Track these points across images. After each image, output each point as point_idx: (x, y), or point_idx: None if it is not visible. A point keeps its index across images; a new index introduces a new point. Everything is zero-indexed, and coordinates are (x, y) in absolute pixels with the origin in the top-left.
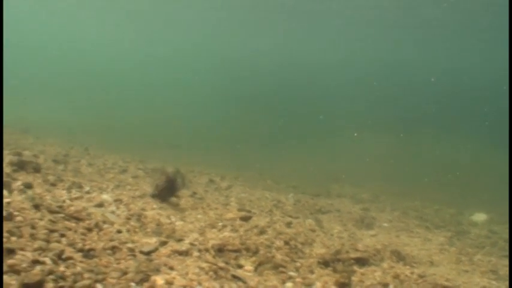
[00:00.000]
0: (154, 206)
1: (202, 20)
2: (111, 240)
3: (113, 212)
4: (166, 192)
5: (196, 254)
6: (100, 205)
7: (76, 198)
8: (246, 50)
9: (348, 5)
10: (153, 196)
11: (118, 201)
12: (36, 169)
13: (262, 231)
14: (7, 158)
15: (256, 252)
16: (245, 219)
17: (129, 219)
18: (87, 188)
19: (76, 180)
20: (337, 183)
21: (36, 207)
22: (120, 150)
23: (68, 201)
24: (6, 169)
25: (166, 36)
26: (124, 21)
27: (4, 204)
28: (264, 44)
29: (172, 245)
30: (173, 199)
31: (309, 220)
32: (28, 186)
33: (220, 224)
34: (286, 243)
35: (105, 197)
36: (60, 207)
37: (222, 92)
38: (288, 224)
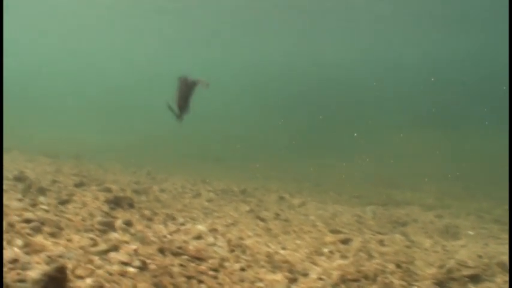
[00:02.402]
0: (250, 234)
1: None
2: (242, 280)
3: (214, 244)
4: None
5: None
6: (198, 237)
7: (174, 232)
8: (274, 55)
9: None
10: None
11: (213, 231)
12: (131, 204)
13: (370, 255)
14: (100, 195)
15: (374, 280)
16: (345, 242)
17: (233, 251)
18: (180, 220)
19: (167, 211)
20: (395, 189)
21: (161, 251)
22: (174, 170)
23: (169, 236)
24: (104, 207)
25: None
26: (148, 34)
27: (130, 251)
28: (293, 47)
29: (304, 282)
30: (261, 223)
31: (397, 235)
32: (128, 223)
33: (325, 249)
34: (398, 266)
35: (200, 227)
36: (180, 247)
37: (251, 100)
38: (381, 242)
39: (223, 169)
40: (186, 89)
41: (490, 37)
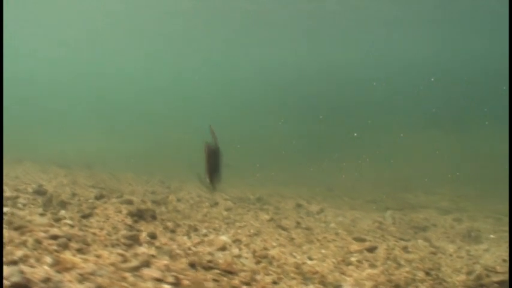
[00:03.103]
0: (274, 244)
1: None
2: None
3: (240, 256)
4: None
5: None
6: (223, 249)
7: (198, 244)
8: (281, 57)
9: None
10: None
11: (237, 241)
12: (153, 216)
13: (398, 263)
14: (123, 208)
15: None
16: (370, 250)
17: (260, 262)
18: (203, 231)
19: (189, 222)
20: (408, 192)
21: (192, 265)
22: (185, 177)
23: (193, 249)
24: (127, 220)
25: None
26: (154, 37)
27: (162, 266)
28: (300, 52)
29: None
30: (283, 232)
31: (420, 241)
32: (153, 236)
33: (352, 259)
34: (427, 273)
35: (224, 238)
36: (210, 261)
37: (254, 105)
38: (405, 249)
39: (233, 175)
40: (213, 156)
41: (495, 37)
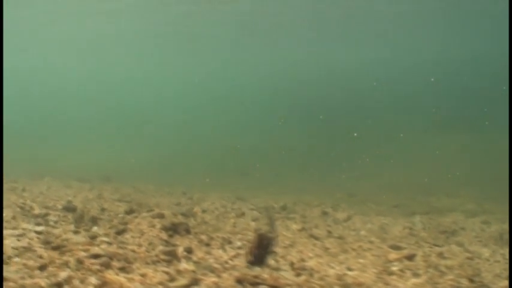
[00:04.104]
0: (310, 255)
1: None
2: None
3: (278, 269)
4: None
5: None
6: None
7: (234, 256)
8: (292, 61)
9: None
10: (251, 263)
11: (273, 253)
12: (187, 230)
13: (439, 271)
14: (156, 222)
15: None
16: (409, 258)
17: (300, 275)
18: (237, 243)
19: (223, 235)
20: (430, 196)
21: (239, 281)
22: (206, 187)
23: (230, 262)
24: (162, 235)
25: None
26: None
27: (211, 284)
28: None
29: None
30: (317, 242)
31: (453, 246)
32: (189, 251)
33: (393, 268)
34: (471, 280)
35: None
36: (256, 276)
37: (267, 110)
38: (441, 255)
39: (252, 183)
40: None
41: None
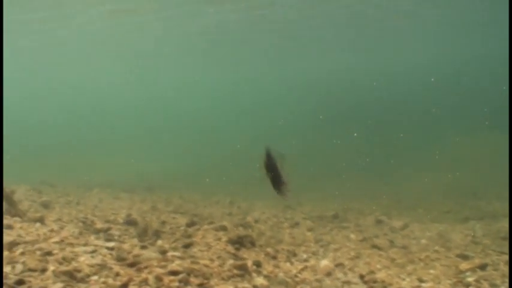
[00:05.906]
0: (378, 266)
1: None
2: None
3: (349, 282)
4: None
5: None
6: (329, 274)
7: (302, 270)
8: (328, 69)
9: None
10: None
11: (340, 265)
12: (252, 243)
13: None
14: (221, 235)
15: None
16: (482, 267)
17: None
18: (303, 255)
19: (287, 247)
20: (479, 200)
21: None
22: (250, 195)
23: (299, 276)
24: (229, 248)
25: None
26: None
27: None
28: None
29: None
30: (382, 253)
31: None
32: (258, 264)
33: (468, 279)
34: None
35: (326, 263)
36: None
37: (293, 115)
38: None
39: (297, 191)
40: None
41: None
